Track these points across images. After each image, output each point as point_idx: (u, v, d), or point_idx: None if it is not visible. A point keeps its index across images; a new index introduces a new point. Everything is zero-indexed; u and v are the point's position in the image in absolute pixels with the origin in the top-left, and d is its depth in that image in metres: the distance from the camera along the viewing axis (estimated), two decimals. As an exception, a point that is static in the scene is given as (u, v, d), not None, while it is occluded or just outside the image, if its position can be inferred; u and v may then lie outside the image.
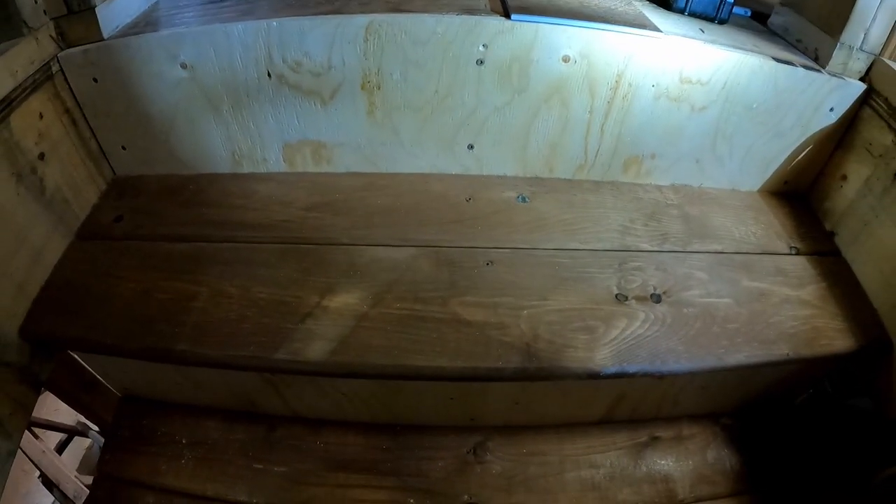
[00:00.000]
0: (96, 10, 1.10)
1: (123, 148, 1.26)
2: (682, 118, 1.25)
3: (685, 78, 1.20)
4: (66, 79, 1.14)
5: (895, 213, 1.16)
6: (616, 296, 1.07)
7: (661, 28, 1.20)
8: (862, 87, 1.25)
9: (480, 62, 1.14)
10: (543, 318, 1.01)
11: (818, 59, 1.27)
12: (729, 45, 1.21)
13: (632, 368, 0.97)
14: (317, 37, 1.11)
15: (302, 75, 1.15)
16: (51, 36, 1.10)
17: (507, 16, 1.10)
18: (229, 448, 1.23)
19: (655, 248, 1.19)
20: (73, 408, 1.25)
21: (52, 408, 1.58)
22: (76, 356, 1.18)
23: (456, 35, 1.11)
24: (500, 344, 0.96)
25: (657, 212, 1.28)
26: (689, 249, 1.20)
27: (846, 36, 1.22)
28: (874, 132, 1.25)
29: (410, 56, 1.13)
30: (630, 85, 1.20)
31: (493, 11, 1.13)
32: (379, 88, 1.17)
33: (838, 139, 1.33)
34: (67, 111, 1.17)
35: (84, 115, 1.20)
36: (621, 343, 0.99)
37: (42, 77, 1.09)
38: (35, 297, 1.04)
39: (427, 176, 1.31)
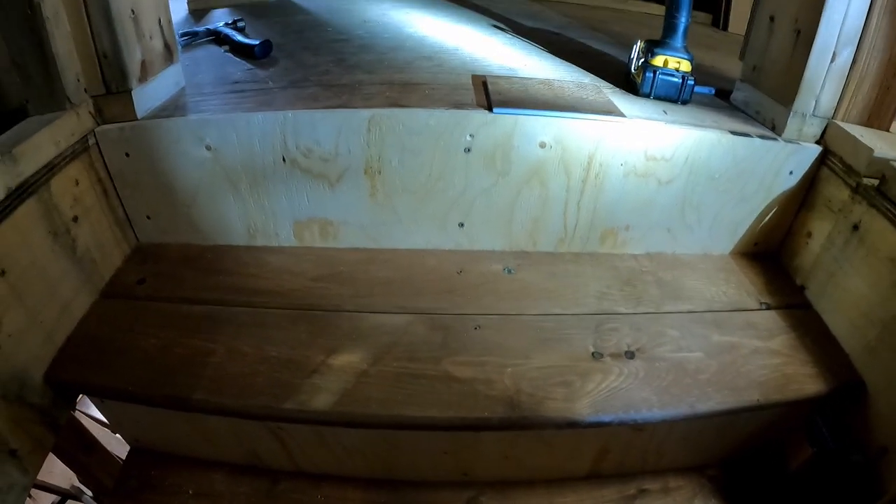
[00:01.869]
0: (132, 92, 1.22)
1: (148, 217, 1.37)
2: (650, 192, 1.36)
3: (650, 156, 1.31)
4: (100, 151, 1.26)
5: (857, 261, 1.23)
6: (592, 354, 1.15)
7: (627, 113, 1.32)
8: (818, 149, 1.35)
9: (468, 150, 1.27)
10: (526, 374, 1.09)
11: (775, 129, 1.38)
12: (689, 124, 1.32)
13: (606, 417, 1.04)
14: (326, 127, 1.23)
15: (312, 160, 1.27)
16: (90, 112, 1.23)
17: (490, 109, 1.23)
18: (234, 500, 1.29)
19: (630, 311, 1.27)
20: (71, 468, 1.30)
21: (47, 469, 1.65)
22: (81, 415, 1.27)
23: (446, 126, 1.24)
24: (487, 397, 1.04)
25: (632, 278, 1.38)
26: (662, 310, 1.29)
27: (798, 105, 1.33)
28: (832, 189, 1.35)
29: (407, 145, 1.26)
30: (601, 165, 1.31)
31: (479, 105, 1.27)
32: (380, 173, 1.29)
33: (801, 199, 1.42)
34: (100, 180, 1.28)
35: (114, 185, 1.31)
36: (597, 395, 1.07)
37: (80, 148, 1.20)
38: (61, 346, 1.12)
39: (423, 251, 1.41)
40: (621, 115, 1.28)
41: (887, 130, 1.38)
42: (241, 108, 1.27)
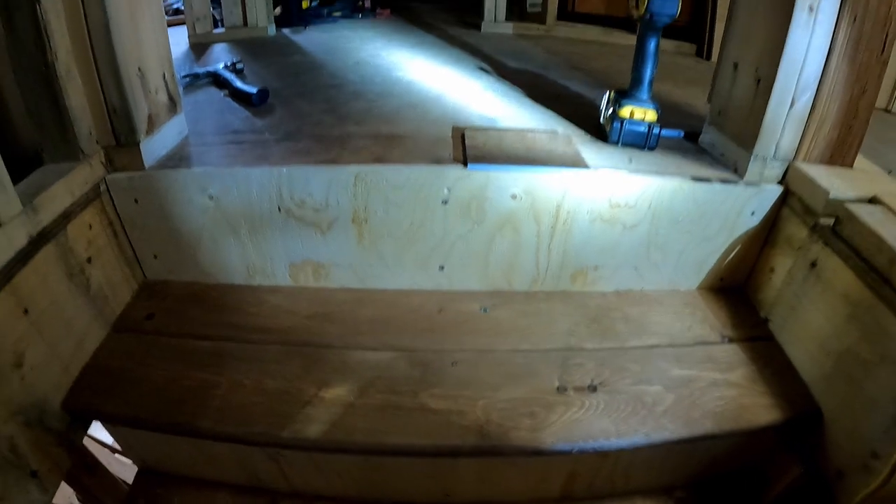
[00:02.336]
0: (140, 145, 1.36)
1: (155, 257, 1.51)
2: (616, 235, 1.48)
3: (615, 203, 1.43)
4: (111, 197, 1.39)
5: (814, 296, 1.32)
6: (557, 387, 1.27)
7: (595, 160, 1.46)
8: (779, 190, 1.45)
9: (445, 201, 1.40)
10: (496, 406, 1.21)
11: (737, 171, 1.48)
12: (651, 172, 1.44)
13: (567, 446, 1.17)
14: (317, 181, 1.38)
15: (305, 210, 1.42)
16: (101, 161, 1.37)
17: (465, 164, 1.39)
18: (235, 518, 1.43)
19: (595, 347, 1.38)
20: (74, 488, 1.42)
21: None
22: (88, 438, 1.40)
23: (425, 181, 1.38)
24: (460, 427, 1.17)
25: (600, 315, 1.50)
26: (626, 346, 1.39)
27: (758, 149, 1.43)
28: (792, 228, 1.44)
29: (390, 197, 1.40)
30: (568, 212, 1.43)
31: (455, 160, 1.41)
32: (366, 222, 1.43)
33: (764, 237, 1.52)
34: (111, 223, 1.41)
35: (124, 228, 1.44)
36: (559, 425, 1.18)
37: (93, 195, 1.34)
38: (77, 377, 1.24)
39: (407, 292, 1.54)
40: (586, 166, 1.41)
41: (850, 167, 1.50)
42: (241, 162, 1.43)
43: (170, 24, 3.35)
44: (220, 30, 3.09)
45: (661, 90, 2.10)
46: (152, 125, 1.42)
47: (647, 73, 1.56)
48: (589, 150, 1.57)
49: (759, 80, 1.43)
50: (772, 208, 1.48)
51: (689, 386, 1.30)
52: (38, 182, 1.23)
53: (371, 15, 3.77)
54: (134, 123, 1.35)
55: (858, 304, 1.21)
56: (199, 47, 2.85)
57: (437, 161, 1.41)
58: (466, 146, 1.49)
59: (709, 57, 3.20)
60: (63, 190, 1.24)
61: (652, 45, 1.54)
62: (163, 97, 1.48)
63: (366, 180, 1.38)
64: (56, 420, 1.19)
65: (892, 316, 1.12)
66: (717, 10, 3.18)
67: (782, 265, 1.47)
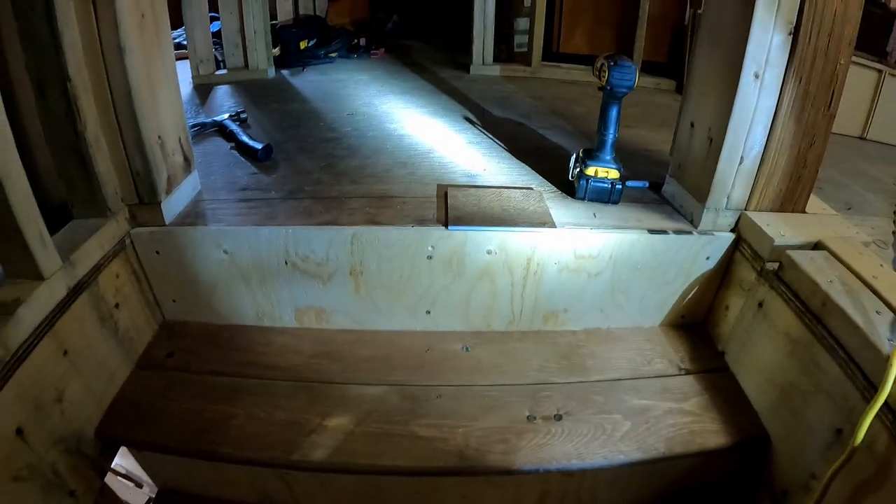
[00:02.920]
0: (161, 204, 1.57)
1: (174, 301, 1.71)
2: (582, 282, 1.69)
3: (579, 255, 1.64)
4: (135, 249, 1.59)
5: (761, 334, 1.50)
6: (527, 417, 1.47)
7: (563, 215, 1.69)
8: (732, 237, 1.64)
9: (430, 257, 1.63)
10: (474, 433, 1.41)
11: (693, 222, 1.67)
12: (612, 227, 1.65)
13: (534, 467, 1.36)
14: (319, 240, 1.60)
15: (308, 264, 1.63)
16: (125, 217, 1.56)
17: (447, 226, 1.61)
18: (250, 531, 1.65)
19: (563, 381, 1.59)
20: None
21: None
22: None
23: (412, 240, 1.61)
24: (443, 451, 1.37)
25: (569, 352, 1.70)
26: (590, 379, 1.60)
27: (711, 202, 1.61)
28: (743, 271, 1.62)
29: (382, 254, 1.62)
30: (538, 264, 1.65)
31: (438, 221, 1.64)
32: (362, 274, 1.65)
33: (720, 278, 1.70)
34: (134, 272, 1.60)
35: (146, 275, 1.64)
36: (528, 450, 1.38)
37: (119, 247, 1.53)
38: (107, 409, 1.44)
39: (399, 333, 1.75)
40: (553, 225, 1.64)
41: (802, 212, 1.68)
42: (251, 221, 1.65)
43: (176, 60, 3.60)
44: (222, 71, 3.33)
45: (634, 134, 2.36)
46: (171, 185, 1.63)
47: (610, 136, 1.78)
48: (558, 205, 1.80)
49: (711, 140, 1.60)
50: (725, 253, 1.67)
51: (646, 414, 1.49)
52: (71, 237, 1.42)
53: (366, 55, 3.99)
54: (155, 186, 1.55)
55: (798, 342, 1.39)
56: (202, 88, 3.10)
57: (423, 222, 1.64)
58: (448, 206, 1.72)
59: (687, 94, 3.40)
60: (95, 245, 1.44)
61: (613, 112, 1.76)
62: (179, 158, 1.69)
63: (361, 240, 1.60)
64: (90, 447, 1.37)
65: (825, 353, 1.30)
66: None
67: (735, 304, 1.66)
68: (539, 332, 1.80)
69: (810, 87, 1.49)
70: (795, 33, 1.43)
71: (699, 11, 3.35)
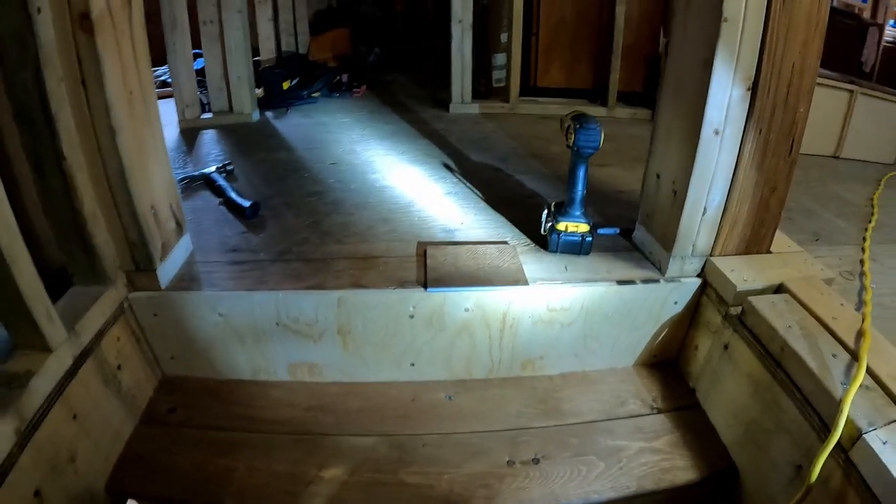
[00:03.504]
0: (156, 271, 1.65)
1: (172, 357, 1.79)
2: (555, 332, 1.80)
3: (552, 308, 1.76)
4: (133, 312, 1.67)
5: (727, 374, 1.59)
6: (507, 462, 1.56)
7: (533, 275, 1.80)
8: (698, 282, 1.75)
9: (412, 316, 1.74)
10: (457, 479, 1.50)
11: (661, 269, 1.78)
12: (582, 280, 1.77)
13: None
14: (308, 304, 1.71)
15: (299, 325, 1.74)
16: (123, 284, 1.64)
17: (426, 287, 1.73)
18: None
19: (541, 425, 1.68)
20: None
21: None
22: None
23: (395, 302, 1.73)
24: (430, 497, 1.47)
25: (546, 397, 1.80)
26: (566, 423, 1.69)
27: (677, 250, 1.71)
28: (709, 314, 1.71)
29: (367, 315, 1.74)
30: (513, 318, 1.76)
31: (418, 282, 1.76)
32: (349, 333, 1.76)
33: (689, 319, 1.81)
34: (134, 333, 1.68)
35: (145, 336, 1.72)
36: (508, 494, 1.47)
37: (119, 312, 1.61)
38: (115, 464, 1.51)
39: (386, 384, 1.86)
40: (525, 283, 1.75)
41: (767, 252, 1.80)
42: (243, 285, 1.75)
43: (159, 98, 3.73)
44: (207, 115, 3.45)
45: (606, 175, 2.49)
46: (165, 251, 1.72)
47: (578, 193, 1.92)
48: (531, 259, 1.93)
49: (675, 192, 1.69)
50: (692, 297, 1.79)
51: (619, 455, 1.59)
52: (73, 305, 1.51)
53: (348, 93, 4.12)
54: (151, 253, 1.64)
55: (760, 383, 1.48)
56: (188, 133, 3.23)
57: (404, 284, 1.76)
58: (427, 266, 1.83)
59: (664, 124, 3.53)
60: (97, 313, 1.53)
61: (581, 171, 1.90)
62: (171, 225, 1.78)
63: (347, 303, 1.72)
64: (100, 502, 1.45)
65: (784, 394, 1.39)
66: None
67: (704, 345, 1.76)
68: (518, 378, 1.90)
69: (770, 137, 1.56)
70: (754, 88, 1.51)
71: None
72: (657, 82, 3.58)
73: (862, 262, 2.29)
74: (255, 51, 4.04)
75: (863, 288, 2.06)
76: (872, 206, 2.89)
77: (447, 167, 2.80)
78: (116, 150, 1.49)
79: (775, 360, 1.45)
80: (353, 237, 2.10)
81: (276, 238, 2.09)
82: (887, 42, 5.45)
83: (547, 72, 3.96)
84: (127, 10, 1.51)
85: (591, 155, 1.86)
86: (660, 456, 1.60)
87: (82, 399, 1.45)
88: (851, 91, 3.71)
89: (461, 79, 3.73)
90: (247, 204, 2.24)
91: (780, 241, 1.84)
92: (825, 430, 1.26)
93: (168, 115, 3.28)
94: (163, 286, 1.72)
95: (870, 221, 2.70)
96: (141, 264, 1.67)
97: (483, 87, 3.93)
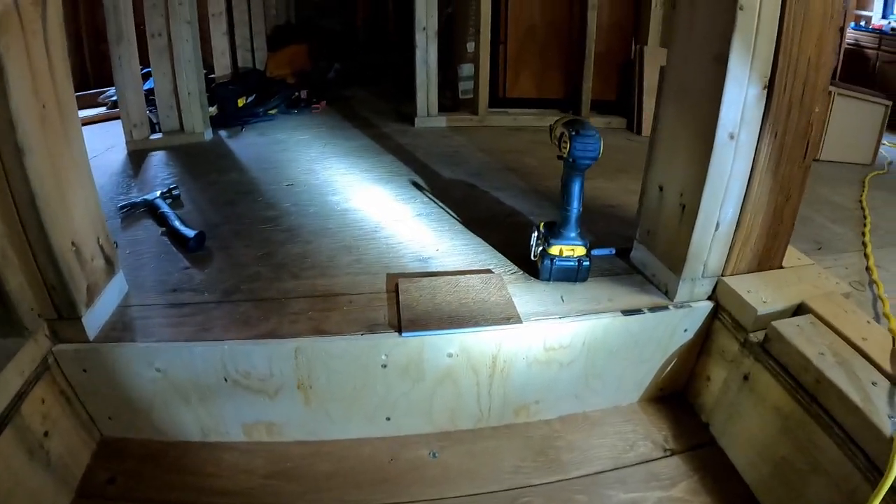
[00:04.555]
0: (82, 319, 1.41)
1: (110, 418, 1.54)
2: (553, 373, 1.57)
3: (549, 347, 1.53)
4: (60, 367, 1.43)
5: (749, 407, 1.43)
6: None
7: (526, 308, 1.56)
8: (709, 305, 1.57)
9: (384, 366, 1.49)
10: None
11: (668, 293, 1.61)
12: (583, 312, 1.55)
13: None
14: (259, 356, 1.45)
15: (251, 381, 1.48)
16: (45, 334, 1.40)
17: (400, 331, 1.48)
18: None
19: (542, 482, 1.45)
20: None
21: None
22: None
23: (363, 350, 1.47)
24: None
25: (545, 447, 1.57)
26: (571, 476, 1.47)
27: (687, 272, 1.54)
28: (724, 341, 1.54)
29: (331, 366, 1.48)
30: (505, 361, 1.53)
31: (390, 325, 1.51)
32: (311, 388, 1.50)
33: (699, 347, 1.63)
34: (62, 392, 1.44)
35: (76, 393, 1.48)
36: None
37: (42, 369, 1.38)
38: None
39: (358, 441, 1.59)
40: (518, 321, 1.51)
41: (779, 267, 1.62)
42: (183, 334, 1.49)
43: (108, 119, 3.47)
44: (157, 135, 3.18)
45: (591, 188, 2.17)
46: (92, 295, 1.48)
47: (574, 211, 1.66)
48: (521, 291, 1.68)
49: (683, 206, 1.53)
50: (704, 322, 1.60)
51: None
52: None
53: (307, 110, 3.87)
54: (73, 298, 1.40)
55: (790, 418, 1.31)
56: (136, 155, 2.95)
57: (373, 328, 1.51)
58: (401, 305, 1.58)
59: (639, 132, 3.36)
60: (14, 373, 1.29)
61: (576, 186, 1.64)
62: (99, 263, 1.54)
63: (306, 353, 1.46)
64: None
65: (821, 431, 1.22)
66: (645, 85, 3.34)
67: (718, 375, 1.58)
68: (510, 425, 1.66)
69: (786, 140, 1.44)
70: (770, 86, 1.38)
71: (645, 46, 3.31)
72: (631, 90, 3.47)
73: (868, 269, 2.15)
74: (211, 68, 3.85)
75: (877, 299, 1.88)
76: (863, 208, 2.78)
77: (416, 185, 2.53)
78: (25, 174, 1.25)
79: (808, 392, 1.28)
80: (311, 270, 1.85)
81: (223, 273, 1.82)
82: (849, 44, 5.48)
83: (516, 82, 3.79)
84: (40, 8, 1.29)
85: (588, 167, 1.61)
86: (680, 506, 1.37)
87: (1, 476, 1.21)
88: (829, 92, 3.47)
89: (426, 90, 3.51)
90: (191, 234, 1.97)
91: (788, 253, 1.68)
92: (873, 470, 1.11)
93: (116, 136, 3.07)
94: (91, 337, 1.46)
95: (864, 225, 2.56)
96: (63, 312, 1.42)
97: (449, 101, 3.74)
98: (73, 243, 1.41)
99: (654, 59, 3.39)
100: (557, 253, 1.69)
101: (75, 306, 1.42)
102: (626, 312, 1.57)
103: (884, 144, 3.77)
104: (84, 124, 3.31)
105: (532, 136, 3.28)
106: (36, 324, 1.40)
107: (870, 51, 5.23)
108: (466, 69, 3.62)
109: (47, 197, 1.31)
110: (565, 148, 1.59)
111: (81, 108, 3.63)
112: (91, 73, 4.92)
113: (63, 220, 1.37)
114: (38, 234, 1.32)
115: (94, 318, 1.49)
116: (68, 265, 1.38)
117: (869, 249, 2.31)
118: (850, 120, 3.63)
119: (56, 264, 1.36)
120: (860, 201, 2.89)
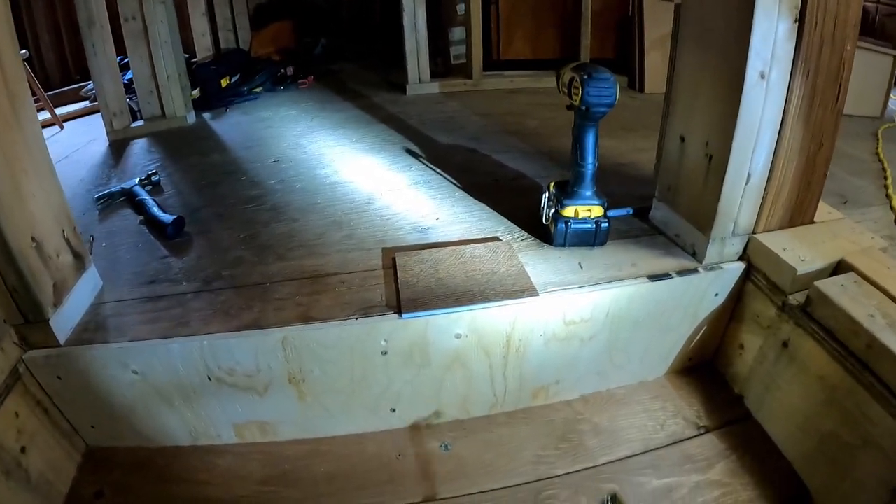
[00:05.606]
0: (49, 322, 1.26)
1: (92, 426, 1.40)
2: (574, 350, 1.42)
3: (569, 321, 1.37)
4: (33, 375, 1.29)
5: (789, 377, 1.30)
6: None
7: (541, 279, 1.38)
8: (741, 266, 1.42)
9: (385, 353, 1.32)
10: None
11: (695, 254, 1.45)
12: (605, 280, 1.38)
13: None
14: (243, 350, 1.28)
15: (237, 377, 1.32)
16: (14, 342, 1.26)
17: (400, 313, 1.29)
18: None
19: (567, 471, 1.31)
20: None
21: None
22: None
23: (358, 337, 1.30)
24: None
25: (567, 431, 1.42)
26: (599, 463, 1.33)
27: (716, 231, 1.39)
28: (759, 305, 1.41)
29: (324, 356, 1.31)
30: (520, 340, 1.36)
31: (388, 306, 1.33)
32: (304, 381, 1.34)
33: (730, 313, 1.49)
34: (38, 402, 1.30)
35: (53, 402, 1.34)
36: None
37: (12, 380, 1.23)
38: None
39: (361, 436, 1.44)
40: (534, 293, 1.34)
41: (811, 222, 1.48)
42: (159, 330, 1.31)
43: (90, 112, 3.32)
44: (138, 123, 2.99)
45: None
46: (59, 294, 1.32)
47: (589, 167, 1.48)
48: (534, 259, 1.50)
49: (709, 156, 1.38)
50: (735, 285, 1.45)
51: (671, 497, 1.24)
52: None
53: (294, 86, 3.69)
54: (38, 299, 1.25)
55: (837, 388, 1.18)
56: (118, 145, 2.77)
57: (369, 310, 1.33)
58: (399, 282, 1.39)
59: (641, 89, 3.21)
60: None
61: (591, 138, 1.46)
62: (66, 258, 1.38)
63: (294, 343, 1.30)
64: None
65: (874, 402, 1.10)
66: (646, 41, 3.17)
67: (752, 342, 1.44)
68: (528, 409, 1.50)
69: (818, 82, 1.30)
70: (801, 19, 1.23)
71: (644, 2, 3.12)
72: (630, 47, 3.31)
73: (896, 222, 2.01)
74: (192, 52, 3.68)
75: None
76: (881, 161, 2.67)
77: (411, 153, 2.35)
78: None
79: (859, 359, 1.15)
80: (298, 250, 1.66)
81: (202, 261, 1.63)
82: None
83: (510, 43, 3.62)
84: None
85: (603, 115, 1.42)
86: (719, 490, 1.25)
87: (-24, 502, 1.07)
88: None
89: (416, 56, 3.31)
90: (168, 220, 1.78)
91: (818, 207, 1.52)
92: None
93: (98, 129, 2.89)
94: (61, 340, 1.30)
95: (885, 178, 2.46)
96: (29, 315, 1.26)
97: (441, 67, 3.55)
98: (32, 238, 1.25)
99: (654, 13, 3.20)
100: (572, 215, 1.51)
101: (41, 308, 1.26)
102: (653, 278, 1.40)
103: (892, 98, 3.62)
104: (66, 120, 3.20)
105: (530, 97, 3.13)
106: (1, 331, 1.24)
107: (870, 3, 5.05)
108: (457, 33, 3.44)
109: (-1, 188, 1.14)
110: (577, 95, 1.41)
111: (63, 103, 3.52)
112: (73, 68, 4.72)
113: (19, 214, 1.21)
114: (-9, 231, 1.15)
115: (64, 319, 1.33)
116: (28, 263, 1.22)
117: (895, 202, 2.21)
118: (859, 71, 3.42)
119: (14, 263, 1.20)
120: (877, 153, 2.77)
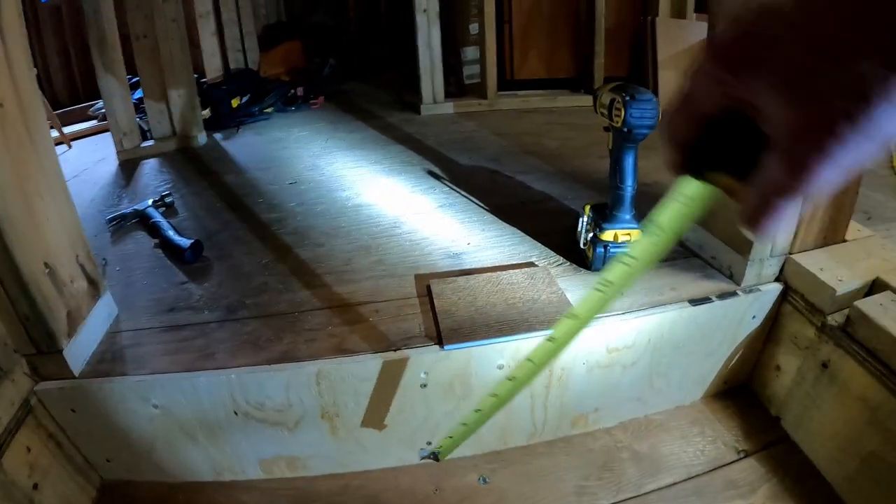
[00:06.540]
0: (63, 352, 1.18)
1: (108, 460, 1.31)
2: (616, 377, 1.34)
3: (612, 348, 1.30)
4: (45, 407, 1.21)
5: (829, 398, 1.25)
6: None
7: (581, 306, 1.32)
8: (778, 288, 1.37)
9: (424, 385, 1.24)
10: None
11: (733, 277, 1.39)
12: (647, 305, 1.32)
13: None
14: (274, 384, 1.20)
15: (266, 412, 1.24)
16: (24, 373, 1.18)
17: (441, 345, 1.22)
18: None
19: (612, 501, 1.24)
20: None
21: None
22: None
23: (397, 370, 1.21)
24: None
25: (608, 460, 1.35)
26: (643, 492, 1.26)
27: (755, 252, 1.34)
28: (796, 326, 1.35)
29: (360, 390, 1.22)
30: (563, 369, 1.29)
31: (428, 336, 1.25)
32: (338, 416, 1.25)
33: (766, 334, 1.43)
34: (51, 436, 1.22)
35: (67, 436, 1.25)
36: None
37: (23, 413, 1.15)
38: None
39: (395, 470, 1.36)
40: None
41: (843, 241, 1.43)
42: (182, 363, 1.24)
43: (99, 131, 3.27)
44: (149, 143, 2.92)
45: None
46: (73, 323, 1.24)
47: (628, 190, 1.41)
48: (573, 284, 1.43)
49: None
50: (772, 307, 1.40)
51: None
52: None
53: (305, 106, 3.63)
54: (51, 328, 1.17)
55: (879, 409, 1.14)
56: (128, 165, 2.70)
57: (408, 341, 1.25)
58: (437, 311, 1.32)
59: (656, 105, 3.12)
60: None
61: (630, 159, 1.39)
62: (80, 284, 1.30)
63: (329, 378, 1.21)
64: None
65: None
66: (659, 59, 3.12)
67: (789, 364, 1.38)
68: (567, 438, 1.42)
69: None
70: None
71: (657, 18, 3.13)
72: (644, 64, 3.24)
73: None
74: (202, 73, 3.62)
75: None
76: None
77: (433, 175, 2.28)
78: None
79: None
80: (326, 277, 1.56)
81: (224, 287, 1.54)
82: None
83: (524, 62, 3.55)
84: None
85: (644, 137, 1.35)
86: (764, 516, 1.16)
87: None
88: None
89: (431, 75, 3.25)
90: (186, 244, 1.70)
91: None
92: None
93: (107, 148, 2.83)
94: (76, 372, 1.21)
95: None
96: (42, 345, 1.18)
97: (453, 87, 3.48)
98: (46, 264, 1.17)
99: (666, 30, 3.15)
100: (611, 238, 1.43)
101: (54, 338, 1.18)
102: (694, 302, 1.34)
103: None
104: (74, 139, 3.13)
105: (545, 117, 3.07)
106: (12, 361, 1.16)
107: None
108: (470, 52, 3.38)
109: (11, 211, 1.08)
110: (619, 117, 1.33)
111: (72, 122, 3.46)
112: (81, 88, 4.68)
113: (32, 238, 1.14)
114: (2, 256, 1.09)
115: (79, 349, 1.25)
116: (42, 290, 1.15)
117: (919, 219, 2.13)
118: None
119: (27, 290, 1.13)
120: (892, 167, 2.67)
